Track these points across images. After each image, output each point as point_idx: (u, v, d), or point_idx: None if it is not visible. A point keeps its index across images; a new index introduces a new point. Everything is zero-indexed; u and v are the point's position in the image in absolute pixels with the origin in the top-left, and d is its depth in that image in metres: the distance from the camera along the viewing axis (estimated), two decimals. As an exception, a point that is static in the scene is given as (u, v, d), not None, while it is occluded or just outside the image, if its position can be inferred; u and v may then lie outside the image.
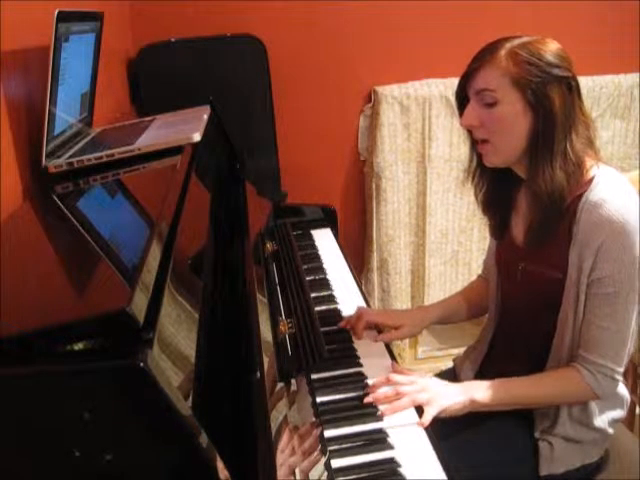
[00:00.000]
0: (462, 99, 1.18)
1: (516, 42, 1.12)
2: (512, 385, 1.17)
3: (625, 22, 2.42)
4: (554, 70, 1.09)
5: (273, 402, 0.97)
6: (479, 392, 1.14)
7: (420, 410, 1.11)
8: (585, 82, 2.32)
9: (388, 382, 1.15)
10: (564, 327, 1.17)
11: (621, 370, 1.15)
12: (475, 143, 1.20)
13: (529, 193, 1.19)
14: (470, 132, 1.19)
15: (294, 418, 1.03)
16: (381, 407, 1.11)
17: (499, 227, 1.31)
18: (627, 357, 1.16)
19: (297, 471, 0.91)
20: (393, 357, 1.30)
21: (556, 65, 1.10)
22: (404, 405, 1.11)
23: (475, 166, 1.25)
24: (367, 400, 1.12)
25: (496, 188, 1.27)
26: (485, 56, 1.12)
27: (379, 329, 1.38)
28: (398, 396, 1.12)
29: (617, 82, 2.41)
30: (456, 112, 1.24)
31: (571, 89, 1.11)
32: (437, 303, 1.50)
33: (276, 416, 0.94)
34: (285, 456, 0.89)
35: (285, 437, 0.92)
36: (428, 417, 1.09)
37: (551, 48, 1.11)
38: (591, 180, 1.13)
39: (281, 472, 0.84)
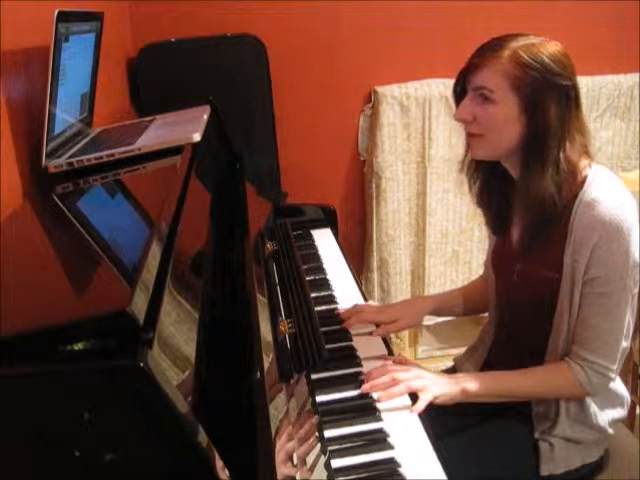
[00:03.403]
0: (460, 92, 1.18)
1: (521, 43, 1.10)
2: (502, 377, 1.19)
3: (625, 22, 2.41)
4: (555, 78, 1.08)
5: (272, 398, 0.97)
6: (469, 383, 1.15)
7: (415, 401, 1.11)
8: (585, 82, 2.32)
9: (384, 370, 1.15)
10: (559, 327, 1.17)
11: (613, 368, 1.15)
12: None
13: (520, 198, 1.19)
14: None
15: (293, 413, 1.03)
16: (376, 394, 1.12)
17: (494, 220, 1.31)
18: (622, 355, 1.16)
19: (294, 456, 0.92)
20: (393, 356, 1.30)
21: (558, 73, 1.08)
22: (400, 391, 1.12)
23: (470, 158, 1.25)
24: (364, 388, 1.13)
25: (490, 182, 1.27)
26: (488, 53, 1.11)
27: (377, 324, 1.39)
28: (394, 382, 1.12)
29: (617, 82, 2.40)
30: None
31: (569, 99, 1.10)
32: (434, 294, 1.60)
33: (276, 415, 0.94)
34: (282, 442, 0.90)
35: (282, 425, 0.93)
36: (422, 404, 1.10)
37: (554, 54, 1.09)
38: (584, 180, 1.13)
39: (279, 458, 0.84)
